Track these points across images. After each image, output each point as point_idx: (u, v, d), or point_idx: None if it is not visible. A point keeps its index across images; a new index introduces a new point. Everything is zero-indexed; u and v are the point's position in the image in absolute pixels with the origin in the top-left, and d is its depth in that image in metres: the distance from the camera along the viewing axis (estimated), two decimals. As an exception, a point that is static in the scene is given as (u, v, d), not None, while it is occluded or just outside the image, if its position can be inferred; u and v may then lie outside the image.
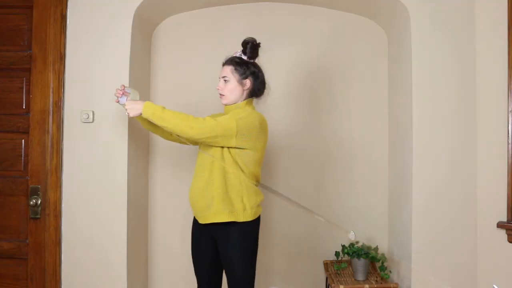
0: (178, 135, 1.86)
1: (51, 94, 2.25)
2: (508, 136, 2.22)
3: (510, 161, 2.20)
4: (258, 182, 2.05)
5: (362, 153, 2.72)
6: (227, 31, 2.63)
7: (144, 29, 2.53)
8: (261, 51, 2.68)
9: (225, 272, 2.01)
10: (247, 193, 1.95)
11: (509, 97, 2.22)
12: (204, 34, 2.66)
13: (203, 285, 2.11)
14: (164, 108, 1.84)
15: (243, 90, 2.01)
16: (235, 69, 1.99)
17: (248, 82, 2.01)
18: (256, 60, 2.08)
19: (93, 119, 2.26)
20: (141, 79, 2.51)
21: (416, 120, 2.30)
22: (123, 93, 1.96)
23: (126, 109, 1.88)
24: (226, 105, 2.03)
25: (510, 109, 2.22)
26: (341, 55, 2.72)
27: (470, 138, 2.29)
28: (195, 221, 2.10)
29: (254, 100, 2.07)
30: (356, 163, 2.71)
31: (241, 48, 2.03)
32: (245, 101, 2.03)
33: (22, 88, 2.28)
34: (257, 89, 2.05)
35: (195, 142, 2.08)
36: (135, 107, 1.86)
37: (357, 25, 2.72)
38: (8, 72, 2.28)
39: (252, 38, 2.02)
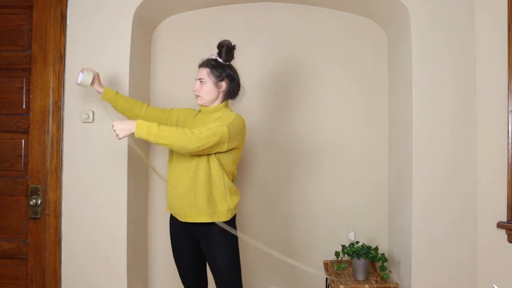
0: (176, 151, 1.87)
1: (51, 94, 2.25)
2: (508, 136, 2.22)
3: (510, 161, 2.20)
4: (234, 180, 2.12)
5: (362, 152, 2.72)
6: (227, 31, 2.63)
7: (144, 29, 2.53)
8: (261, 51, 2.70)
9: (211, 270, 2.03)
10: (229, 194, 2.00)
11: (509, 97, 2.22)
12: (204, 34, 2.66)
13: (188, 284, 2.14)
14: (158, 124, 1.81)
15: (219, 92, 2.05)
16: (211, 71, 2.02)
17: (224, 85, 2.05)
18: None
19: (93, 119, 2.26)
20: (141, 79, 2.51)
21: (416, 120, 2.30)
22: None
23: (114, 130, 1.80)
24: (202, 105, 2.07)
25: (510, 109, 2.22)
26: (341, 55, 2.72)
27: (470, 138, 2.29)
28: (172, 219, 2.13)
29: (229, 101, 2.12)
30: (356, 163, 2.71)
31: (217, 51, 2.04)
32: (223, 103, 2.08)
33: (22, 88, 2.28)
34: (232, 91, 2.09)
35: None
36: (125, 128, 1.79)
37: (357, 25, 2.72)
38: (8, 72, 2.29)
39: (227, 41, 2.04)
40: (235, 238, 2.04)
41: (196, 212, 1.96)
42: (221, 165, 1.97)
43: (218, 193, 1.97)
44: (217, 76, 2.03)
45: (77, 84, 2.07)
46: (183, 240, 2.09)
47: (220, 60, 2.04)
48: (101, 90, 2.11)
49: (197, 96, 2.05)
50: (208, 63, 2.04)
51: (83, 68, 2.07)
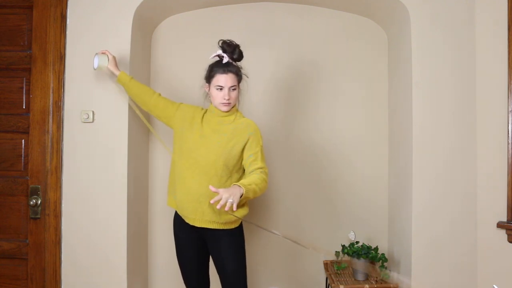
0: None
1: (51, 94, 2.25)
2: (508, 136, 2.22)
3: (510, 161, 2.20)
4: None
5: (362, 152, 2.71)
6: (227, 31, 2.63)
7: (144, 29, 2.52)
8: (261, 51, 2.70)
9: (218, 272, 2.04)
10: (242, 206, 2.00)
11: (509, 97, 2.21)
12: (204, 34, 2.66)
13: (192, 284, 2.14)
14: (255, 184, 1.80)
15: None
16: (237, 77, 2.00)
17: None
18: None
19: (93, 119, 2.26)
20: (141, 79, 2.50)
21: (416, 120, 2.30)
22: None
23: (226, 202, 1.67)
24: (225, 111, 2.02)
25: (510, 109, 2.22)
26: (341, 55, 2.72)
27: (470, 138, 2.29)
28: (178, 220, 2.11)
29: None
30: (356, 163, 2.71)
31: (220, 51, 1.99)
32: (236, 107, 2.06)
33: (22, 88, 2.28)
34: None
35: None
36: (235, 193, 1.70)
37: (357, 25, 2.72)
38: (8, 72, 2.28)
39: (233, 40, 2.02)
40: (243, 242, 2.07)
41: (208, 219, 1.97)
42: (240, 177, 2.00)
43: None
44: (240, 79, 2.03)
45: (94, 69, 2.14)
46: (190, 242, 2.08)
47: (231, 61, 1.99)
48: (117, 72, 2.13)
49: (227, 104, 1.98)
50: (234, 68, 1.99)
51: (96, 53, 2.13)
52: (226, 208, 1.64)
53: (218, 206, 1.65)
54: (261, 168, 1.91)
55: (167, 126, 2.20)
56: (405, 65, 2.40)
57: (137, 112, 2.23)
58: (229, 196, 1.66)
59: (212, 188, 1.71)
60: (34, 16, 2.26)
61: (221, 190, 1.69)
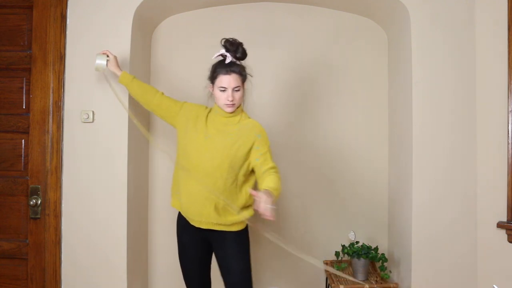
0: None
1: (51, 94, 2.25)
2: (508, 136, 2.22)
3: (510, 161, 2.20)
4: None
5: (362, 153, 2.72)
6: (227, 31, 2.61)
7: (144, 29, 2.53)
8: (262, 51, 2.69)
9: (223, 274, 2.02)
10: (247, 206, 1.99)
11: (509, 97, 2.22)
12: (204, 34, 2.66)
13: (193, 286, 2.12)
14: (274, 189, 1.75)
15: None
16: (242, 75, 1.96)
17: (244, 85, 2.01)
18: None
19: (93, 119, 2.26)
20: (141, 79, 2.50)
21: (416, 120, 2.30)
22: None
23: (266, 211, 1.63)
24: (230, 112, 1.98)
25: (510, 109, 2.22)
26: (341, 55, 2.72)
27: (470, 138, 2.29)
28: (181, 221, 2.08)
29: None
30: (356, 163, 2.71)
31: (223, 50, 1.96)
32: (241, 107, 2.02)
33: (22, 88, 2.28)
34: None
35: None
36: (268, 202, 1.63)
37: (357, 25, 2.72)
38: (8, 72, 2.28)
39: (236, 38, 1.98)
40: (248, 243, 2.05)
41: (214, 221, 1.95)
42: (247, 181, 1.98)
43: (240, 206, 1.96)
44: (245, 79, 1.98)
45: (95, 70, 2.12)
46: (194, 243, 2.06)
47: (234, 60, 1.95)
48: (118, 73, 2.11)
49: (231, 105, 1.94)
50: (238, 68, 1.94)
51: (97, 54, 2.11)
52: (269, 216, 1.62)
53: (263, 211, 1.62)
54: (273, 168, 1.87)
55: (170, 126, 2.17)
56: (405, 65, 2.40)
57: (135, 121, 2.15)
58: (267, 201, 1.62)
59: (252, 192, 1.70)
60: (34, 16, 2.26)
61: (260, 194, 1.64)
